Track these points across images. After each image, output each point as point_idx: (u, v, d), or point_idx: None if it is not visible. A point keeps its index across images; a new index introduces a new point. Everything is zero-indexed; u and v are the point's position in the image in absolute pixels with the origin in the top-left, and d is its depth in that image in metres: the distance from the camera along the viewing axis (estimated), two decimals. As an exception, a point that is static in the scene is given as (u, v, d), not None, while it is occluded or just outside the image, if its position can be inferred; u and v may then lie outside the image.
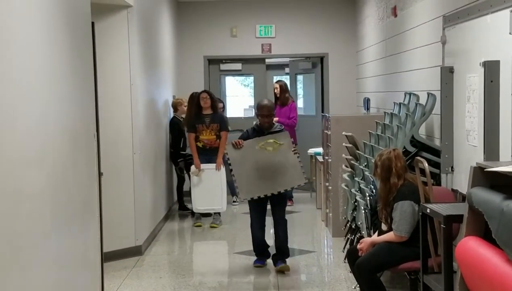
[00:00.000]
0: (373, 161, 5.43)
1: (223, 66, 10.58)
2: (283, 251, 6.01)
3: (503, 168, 2.96)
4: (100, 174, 4.92)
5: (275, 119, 9.11)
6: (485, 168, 3.11)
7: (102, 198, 4.97)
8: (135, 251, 6.48)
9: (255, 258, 6.16)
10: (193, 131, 7.80)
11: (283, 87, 9.44)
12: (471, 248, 2.95)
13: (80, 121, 4.44)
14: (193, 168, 7.80)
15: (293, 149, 5.89)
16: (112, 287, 5.44)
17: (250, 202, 6.00)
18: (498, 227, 2.70)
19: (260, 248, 6.15)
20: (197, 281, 5.75)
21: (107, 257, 5.39)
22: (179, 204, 9.02)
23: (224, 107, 9.10)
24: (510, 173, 2.84)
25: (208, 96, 7.86)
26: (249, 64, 10.60)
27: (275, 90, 9.41)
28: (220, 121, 7.86)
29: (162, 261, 6.48)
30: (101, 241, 4.97)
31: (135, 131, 6.46)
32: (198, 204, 7.85)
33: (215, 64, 10.53)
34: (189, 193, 8.56)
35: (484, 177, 3.12)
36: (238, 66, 10.59)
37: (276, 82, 9.69)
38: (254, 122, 6.36)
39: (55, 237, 3.81)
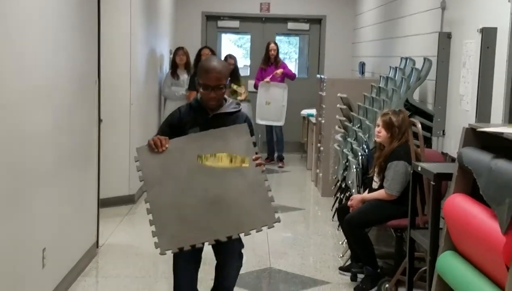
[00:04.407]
0: (367, 122, 5.55)
1: (221, 23, 10.56)
2: None
3: (494, 129, 3.08)
4: (100, 120, 5.00)
5: (279, 71, 9.13)
6: (476, 129, 3.22)
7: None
8: (128, 200, 6.59)
9: None
10: (194, 89, 7.29)
11: (278, 48, 9.34)
12: (458, 203, 3.08)
13: (83, 66, 4.52)
14: None
15: (254, 158, 3.17)
16: (106, 231, 5.57)
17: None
18: (486, 184, 2.83)
19: None
20: (189, 231, 5.87)
21: (101, 203, 5.49)
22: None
23: (235, 64, 8.63)
24: (500, 133, 2.96)
25: (210, 53, 7.65)
26: (247, 22, 10.59)
27: (272, 52, 9.07)
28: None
29: (154, 210, 6.60)
30: (98, 186, 5.08)
31: (133, 81, 6.52)
32: None
33: (213, 21, 10.53)
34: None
35: (475, 138, 3.23)
36: (236, 23, 10.58)
37: (273, 42, 9.33)
38: (193, 98, 3.59)
39: (57, 177, 3.92)
